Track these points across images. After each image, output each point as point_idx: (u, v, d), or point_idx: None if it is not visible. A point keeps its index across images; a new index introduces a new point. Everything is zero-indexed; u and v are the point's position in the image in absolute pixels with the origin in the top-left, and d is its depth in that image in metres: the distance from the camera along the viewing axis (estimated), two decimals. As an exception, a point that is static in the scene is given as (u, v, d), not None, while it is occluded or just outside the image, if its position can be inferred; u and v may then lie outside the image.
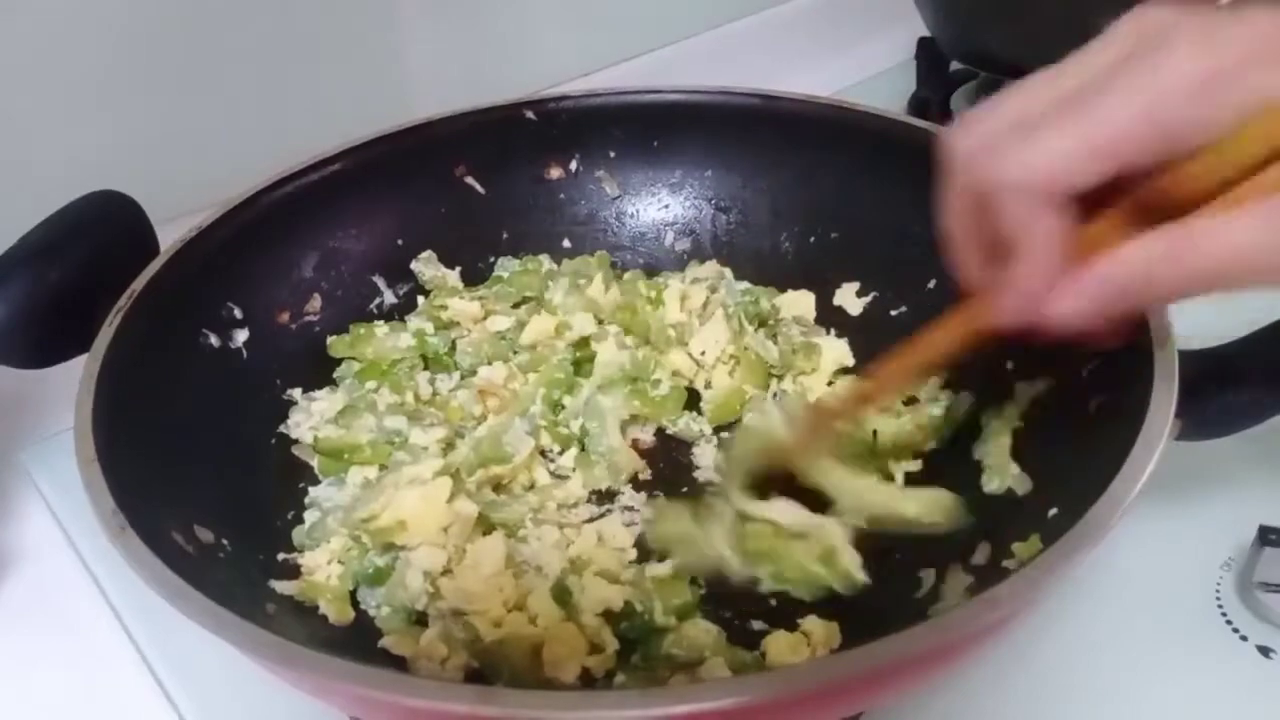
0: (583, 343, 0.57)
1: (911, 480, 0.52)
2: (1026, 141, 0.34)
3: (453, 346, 0.59)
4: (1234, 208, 0.32)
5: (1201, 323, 0.43)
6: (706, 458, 0.55)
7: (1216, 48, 0.31)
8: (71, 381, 0.43)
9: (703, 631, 0.44)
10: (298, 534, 0.49)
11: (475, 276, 0.63)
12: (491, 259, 0.64)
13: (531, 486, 0.53)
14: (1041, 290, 0.36)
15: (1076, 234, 0.35)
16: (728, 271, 0.63)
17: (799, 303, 0.61)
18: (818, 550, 0.46)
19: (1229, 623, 0.47)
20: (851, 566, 0.46)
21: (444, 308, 0.59)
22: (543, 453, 0.54)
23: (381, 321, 0.59)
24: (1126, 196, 0.34)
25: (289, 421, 0.54)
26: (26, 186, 0.56)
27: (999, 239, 0.36)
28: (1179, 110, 0.31)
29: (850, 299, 0.61)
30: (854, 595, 0.45)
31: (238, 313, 0.54)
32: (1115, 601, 0.48)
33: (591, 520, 0.51)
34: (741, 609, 0.46)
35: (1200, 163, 0.32)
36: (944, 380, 0.54)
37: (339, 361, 0.58)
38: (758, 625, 0.45)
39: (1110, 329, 0.36)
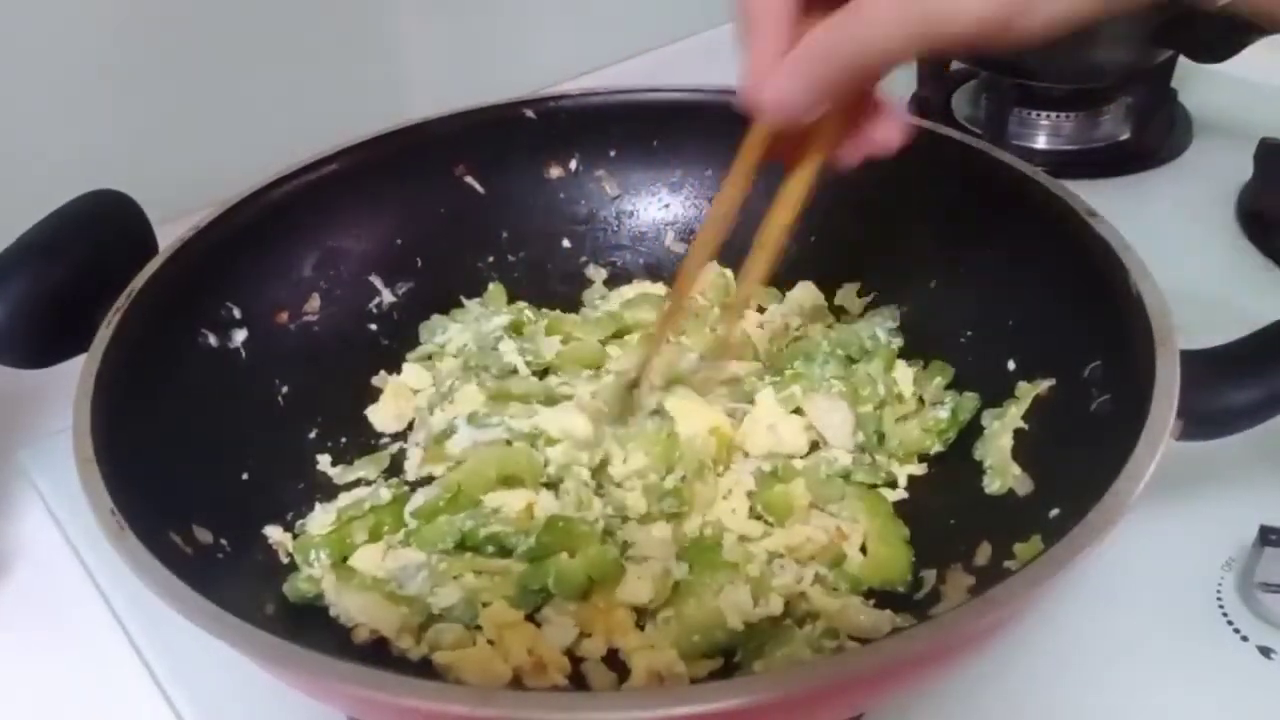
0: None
1: (914, 482, 0.52)
2: None
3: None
4: None
5: (1203, 323, 0.43)
6: None
7: None
8: (70, 381, 0.43)
9: None
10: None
11: (474, 276, 0.63)
12: (491, 258, 0.64)
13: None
14: (767, 69, 0.36)
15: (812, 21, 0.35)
16: (729, 273, 0.63)
17: (802, 297, 0.61)
18: (828, 555, 0.47)
19: (1230, 623, 0.47)
20: (860, 571, 0.46)
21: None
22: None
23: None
24: None
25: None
26: (25, 186, 0.56)
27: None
28: None
29: (851, 299, 0.61)
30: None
31: (236, 312, 0.54)
32: (1115, 602, 0.48)
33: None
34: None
35: None
36: (948, 381, 0.54)
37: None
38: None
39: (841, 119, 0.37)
